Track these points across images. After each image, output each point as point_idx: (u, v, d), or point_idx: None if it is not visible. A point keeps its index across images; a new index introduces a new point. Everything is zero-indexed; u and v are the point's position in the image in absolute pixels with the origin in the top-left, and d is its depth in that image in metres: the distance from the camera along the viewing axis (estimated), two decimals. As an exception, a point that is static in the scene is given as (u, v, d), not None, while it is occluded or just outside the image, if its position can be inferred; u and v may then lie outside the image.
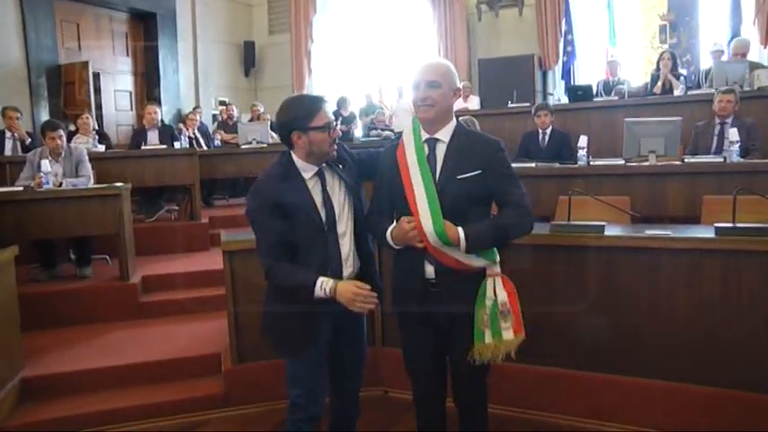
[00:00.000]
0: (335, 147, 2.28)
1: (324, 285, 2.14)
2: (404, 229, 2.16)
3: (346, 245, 2.30)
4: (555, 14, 9.77)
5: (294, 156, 2.28)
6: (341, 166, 2.34)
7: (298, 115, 2.21)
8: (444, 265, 2.16)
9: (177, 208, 6.74)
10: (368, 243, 2.40)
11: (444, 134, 2.22)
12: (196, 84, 11.00)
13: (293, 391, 2.34)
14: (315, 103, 2.24)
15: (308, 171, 2.27)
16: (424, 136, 2.24)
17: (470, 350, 2.19)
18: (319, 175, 2.28)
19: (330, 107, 2.32)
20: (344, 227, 2.30)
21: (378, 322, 3.65)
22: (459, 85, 2.27)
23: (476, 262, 2.17)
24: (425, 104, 2.17)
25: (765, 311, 2.73)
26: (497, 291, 2.17)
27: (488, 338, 2.16)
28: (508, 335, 2.17)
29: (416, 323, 2.29)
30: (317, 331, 2.27)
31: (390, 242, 2.23)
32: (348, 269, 2.30)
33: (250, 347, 3.49)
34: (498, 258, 2.21)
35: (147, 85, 10.13)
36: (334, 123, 2.27)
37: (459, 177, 2.15)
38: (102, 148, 6.69)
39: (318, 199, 2.26)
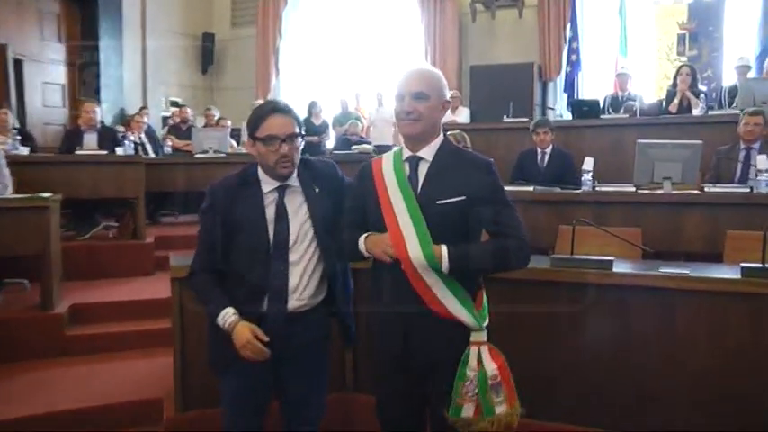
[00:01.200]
0: (286, 167, 2.31)
1: (226, 318, 2.28)
2: (383, 242, 2.17)
3: (297, 275, 2.34)
4: (559, 18, 9.97)
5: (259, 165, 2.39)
6: (317, 190, 2.38)
7: (249, 121, 2.34)
8: (424, 304, 2.17)
9: (117, 224, 6.65)
10: (340, 281, 2.45)
11: (428, 152, 2.23)
12: (144, 80, 10.97)
13: (221, 410, 2.49)
14: (264, 110, 2.33)
15: (267, 184, 2.36)
16: (406, 154, 2.26)
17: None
18: (279, 191, 2.34)
19: (298, 115, 2.38)
20: (299, 255, 2.35)
21: (349, 363, 3.62)
22: (448, 96, 2.30)
23: (457, 310, 2.16)
24: (410, 118, 2.18)
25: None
26: (484, 362, 2.17)
27: (466, 412, 2.17)
28: (502, 408, 2.18)
29: (392, 367, 2.28)
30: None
31: (362, 247, 2.24)
32: (296, 302, 2.34)
33: (198, 392, 3.42)
34: (486, 323, 2.22)
35: (84, 79, 10.03)
36: (289, 139, 2.29)
37: (438, 203, 2.16)
38: (25, 150, 6.57)
39: (271, 217, 2.33)
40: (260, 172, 2.37)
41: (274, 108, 2.31)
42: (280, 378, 2.43)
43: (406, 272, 2.16)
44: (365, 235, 2.25)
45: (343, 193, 2.44)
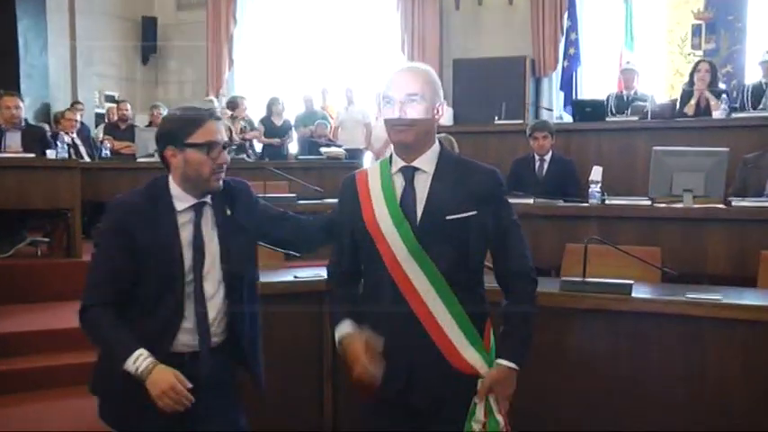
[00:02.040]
0: (220, 178, 2.34)
1: (139, 362, 2.15)
2: (360, 364, 2.17)
3: (213, 309, 2.37)
4: (556, 6, 10.05)
5: (170, 179, 2.37)
6: (229, 212, 2.41)
7: (174, 126, 2.33)
8: (435, 346, 2.20)
9: (47, 240, 6.53)
10: (247, 322, 2.45)
11: (426, 162, 2.25)
12: (73, 70, 10.84)
13: None
14: (199, 114, 2.35)
15: (182, 201, 2.35)
16: (398, 164, 2.26)
17: None
18: (196, 209, 2.35)
19: (227, 122, 2.40)
20: (213, 288, 2.36)
21: (329, 401, 3.63)
22: (443, 97, 2.32)
23: (472, 358, 2.21)
24: (402, 124, 2.19)
25: None
26: (494, 412, 2.21)
27: None
28: None
29: (391, 405, 2.27)
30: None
31: (337, 338, 2.30)
32: (216, 337, 2.38)
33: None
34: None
35: (1, 69, 9.84)
36: (225, 145, 2.35)
37: (448, 218, 2.18)
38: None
39: (186, 241, 2.32)
40: (172, 186, 2.35)
41: (212, 113, 2.37)
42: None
43: (415, 310, 2.19)
44: (345, 332, 2.27)
45: (256, 216, 2.48)
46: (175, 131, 2.31)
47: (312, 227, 2.61)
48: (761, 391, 2.92)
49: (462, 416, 2.21)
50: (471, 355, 2.20)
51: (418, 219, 2.20)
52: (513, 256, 2.26)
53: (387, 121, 2.24)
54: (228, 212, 2.40)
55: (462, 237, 2.20)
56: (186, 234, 2.32)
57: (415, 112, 2.18)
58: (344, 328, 2.28)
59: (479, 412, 2.21)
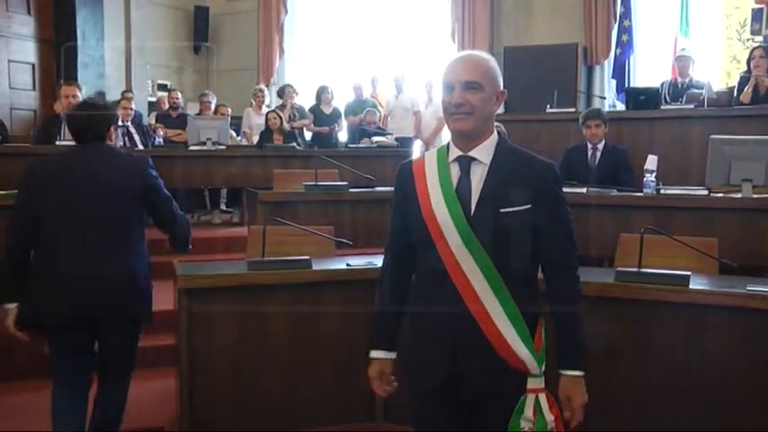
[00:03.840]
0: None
1: None
2: (380, 382, 2.42)
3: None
4: (608, -9, 9.91)
5: None
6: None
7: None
8: (484, 337, 2.19)
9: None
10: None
11: (483, 152, 2.23)
12: (128, 60, 11.01)
13: None
14: None
15: None
16: (455, 153, 2.25)
17: None
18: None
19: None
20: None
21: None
22: (502, 87, 2.28)
23: (521, 351, 2.20)
24: (461, 112, 2.18)
25: None
26: (543, 411, 2.20)
27: None
28: None
29: (435, 398, 2.28)
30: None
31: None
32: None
33: (207, 418, 3.47)
34: (544, 367, 2.24)
35: (59, 58, 9.96)
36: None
37: (503, 211, 2.17)
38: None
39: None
40: None
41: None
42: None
43: (467, 302, 2.18)
44: (377, 356, 2.43)
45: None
46: None
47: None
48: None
49: (509, 412, 2.20)
50: (521, 350, 2.18)
51: (473, 209, 2.18)
52: (563, 259, 2.26)
53: (445, 109, 2.23)
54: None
55: (516, 230, 2.18)
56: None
57: (474, 100, 2.17)
58: (374, 354, 2.43)
59: (528, 408, 2.19)
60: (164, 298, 3.55)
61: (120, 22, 10.83)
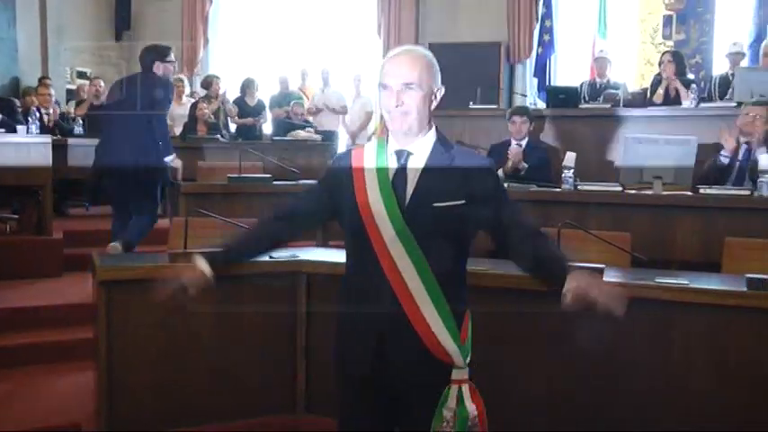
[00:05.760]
0: None
1: None
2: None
3: None
4: (531, -7, 10.05)
5: None
6: None
7: None
8: (411, 327, 2.20)
9: (17, 217, 6.47)
10: None
11: (420, 147, 2.25)
12: (44, 45, 10.63)
13: None
14: None
15: None
16: (393, 146, 2.27)
17: None
18: None
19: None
20: None
21: (302, 380, 3.66)
22: (440, 82, 2.28)
23: (447, 344, 2.21)
24: (399, 111, 2.19)
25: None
26: (465, 402, 2.23)
27: None
28: None
29: (362, 383, 2.29)
30: None
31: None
32: None
33: (128, 414, 3.40)
34: (469, 359, 2.26)
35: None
36: None
37: (435, 205, 2.19)
38: None
39: None
40: None
41: None
42: None
43: (398, 294, 2.19)
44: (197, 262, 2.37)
45: None
46: None
47: None
48: (724, 371, 2.99)
49: (434, 401, 2.21)
50: (447, 343, 2.20)
51: (407, 202, 2.19)
52: (526, 223, 2.28)
53: (383, 108, 2.23)
54: None
55: (449, 225, 2.20)
56: None
57: (411, 100, 2.17)
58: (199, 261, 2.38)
59: (452, 399, 2.22)
60: (81, 291, 3.47)
61: (34, 7, 10.44)
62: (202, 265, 2.35)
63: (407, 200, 2.19)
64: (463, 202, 2.19)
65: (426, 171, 2.22)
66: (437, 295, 2.19)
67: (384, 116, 2.25)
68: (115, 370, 3.39)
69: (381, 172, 2.23)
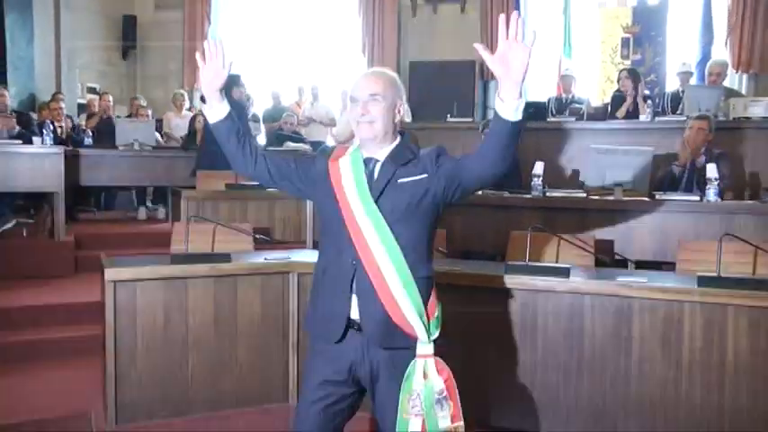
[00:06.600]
0: None
1: None
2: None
3: None
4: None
5: None
6: None
7: None
8: (378, 305, 2.20)
9: (32, 221, 6.41)
10: None
11: (386, 155, 2.30)
12: (57, 63, 10.53)
13: None
14: None
15: None
16: (363, 155, 2.32)
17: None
18: None
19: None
20: None
21: (294, 373, 3.66)
22: (404, 99, 2.35)
23: (412, 318, 2.20)
24: (365, 120, 2.25)
25: (759, 374, 2.93)
26: (431, 375, 2.22)
27: (413, 427, 2.19)
28: (445, 423, 2.22)
29: (333, 350, 2.28)
30: None
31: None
32: None
33: (132, 404, 3.40)
34: (436, 335, 2.25)
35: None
36: None
37: (400, 181, 2.24)
38: None
39: None
40: None
41: None
42: None
43: (368, 272, 2.21)
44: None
45: None
46: None
47: None
48: (679, 359, 3.04)
49: (401, 374, 2.21)
50: (413, 318, 2.20)
51: (372, 187, 2.24)
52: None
53: (353, 119, 2.28)
54: None
55: (414, 196, 2.23)
56: None
57: (375, 110, 2.24)
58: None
59: (418, 372, 2.21)
60: (91, 290, 3.44)
61: (50, 26, 10.36)
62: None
63: (374, 183, 2.25)
64: (426, 175, 2.23)
65: (386, 162, 2.28)
66: (403, 270, 2.20)
67: (353, 126, 2.30)
68: (121, 363, 3.39)
69: (357, 170, 2.28)
